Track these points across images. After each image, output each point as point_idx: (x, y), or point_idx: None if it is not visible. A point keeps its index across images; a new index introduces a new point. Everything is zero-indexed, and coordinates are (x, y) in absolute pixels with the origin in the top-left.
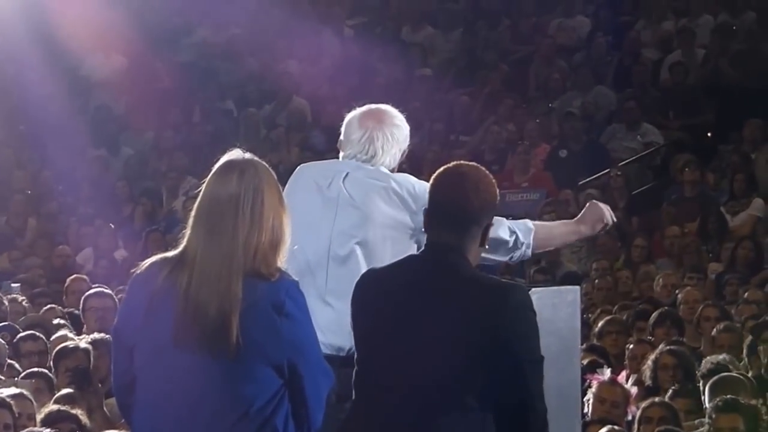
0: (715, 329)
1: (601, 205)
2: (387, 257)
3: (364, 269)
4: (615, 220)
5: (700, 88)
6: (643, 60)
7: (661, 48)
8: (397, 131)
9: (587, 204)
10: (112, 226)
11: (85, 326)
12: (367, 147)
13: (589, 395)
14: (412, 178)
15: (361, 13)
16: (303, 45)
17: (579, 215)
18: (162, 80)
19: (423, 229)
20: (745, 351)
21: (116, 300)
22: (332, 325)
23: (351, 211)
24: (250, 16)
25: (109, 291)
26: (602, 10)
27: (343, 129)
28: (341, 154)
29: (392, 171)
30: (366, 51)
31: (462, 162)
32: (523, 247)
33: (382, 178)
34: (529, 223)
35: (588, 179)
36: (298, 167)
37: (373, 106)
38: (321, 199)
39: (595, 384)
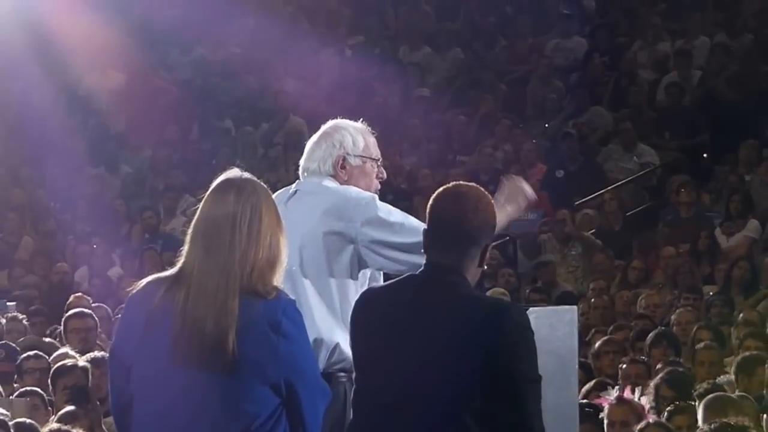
0: (697, 346)
1: (517, 180)
2: (328, 269)
3: (306, 284)
4: (534, 196)
5: (696, 109)
6: (639, 81)
7: (658, 69)
8: (321, 139)
9: (506, 183)
10: (106, 244)
11: (68, 347)
12: (305, 159)
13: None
14: (352, 188)
15: (359, 33)
16: (301, 64)
17: (499, 196)
18: (160, 98)
19: (369, 241)
20: (733, 369)
21: (97, 320)
22: None
23: (290, 228)
24: (248, 34)
25: (89, 311)
26: (599, 31)
27: None
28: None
29: (338, 178)
30: (364, 70)
31: (461, 182)
32: None
33: (319, 190)
34: None
35: (584, 199)
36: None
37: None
38: None
39: (606, 406)
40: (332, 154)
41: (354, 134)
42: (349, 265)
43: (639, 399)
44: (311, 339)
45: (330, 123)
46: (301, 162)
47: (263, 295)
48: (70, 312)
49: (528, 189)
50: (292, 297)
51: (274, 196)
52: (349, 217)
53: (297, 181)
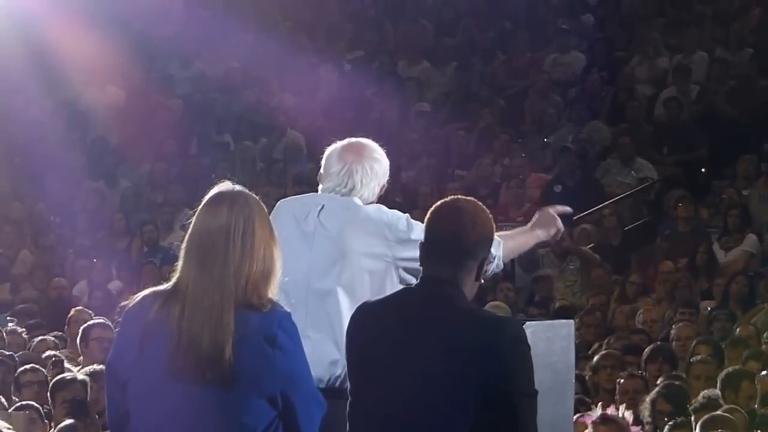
0: (692, 359)
1: (552, 211)
2: (366, 288)
3: (343, 303)
4: (563, 228)
5: (694, 123)
6: (637, 96)
7: (656, 84)
8: (376, 165)
9: (538, 212)
10: (105, 258)
11: (82, 357)
12: (346, 180)
13: None
14: (384, 208)
15: (358, 48)
16: (300, 79)
17: (532, 221)
18: (159, 113)
19: (402, 260)
20: (719, 384)
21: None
22: (311, 357)
23: (327, 243)
24: (247, 49)
25: (109, 323)
26: (597, 46)
27: (323, 162)
28: (320, 187)
29: (371, 204)
30: (362, 85)
31: (459, 196)
32: (496, 260)
33: (356, 209)
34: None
35: (582, 214)
36: (278, 202)
37: (354, 139)
38: (298, 233)
39: (590, 425)
40: (381, 183)
41: (387, 162)
42: (386, 286)
43: (623, 415)
44: (345, 361)
45: (372, 147)
46: (342, 180)
47: (258, 308)
48: (93, 321)
49: (559, 222)
50: (324, 316)
51: (287, 206)
52: (388, 237)
53: (316, 193)
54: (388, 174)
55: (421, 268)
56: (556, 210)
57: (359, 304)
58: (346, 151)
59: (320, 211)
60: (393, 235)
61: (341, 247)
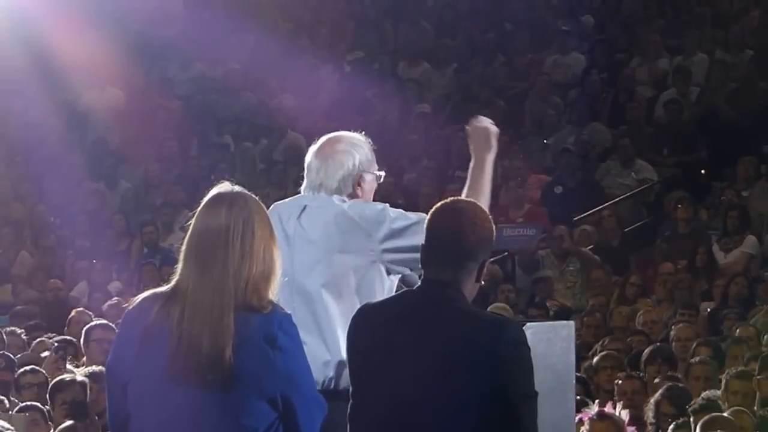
0: (691, 361)
1: (478, 125)
2: (351, 286)
3: (329, 303)
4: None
5: (694, 125)
6: (637, 97)
7: (656, 85)
8: (341, 156)
9: (469, 133)
10: (105, 259)
11: (85, 358)
12: (314, 176)
13: None
14: (362, 202)
15: (359, 49)
16: (300, 80)
17: (472, 148)
18: (159, 114)
19: (386, 251)
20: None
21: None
22: None
23: (306, 245)
24: (247, 51)
25: (111, 324)
26: (597, 48)
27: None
28: (302, 186)
29: (354, 196)
30: (363, 86)
31: (459, 198)
32: None
33: (332, 206)
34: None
35: (582, 215)
36: (272, 205)
37: (333, 134)
38: (282, 235)
39: (587, 421)
40: (352, 173)
41: (367, 150)
42: (373, 281)
43: (619, 413)
44: (336, 361)
45: (342, 138)
46: (313, 177)
47: (258, 310)
48: (95, 322)
49: (491, 125)
50: (311, 318)
51: (277, 209)
52: (369, 233)
53: (300, 194)
54: (369, 165)
55: (408, 256)
56: (480, 122)
57: (346, 302)
58: (320, 146)
59: (301, 212)
60: (373, 228)
61: (321, 246)
